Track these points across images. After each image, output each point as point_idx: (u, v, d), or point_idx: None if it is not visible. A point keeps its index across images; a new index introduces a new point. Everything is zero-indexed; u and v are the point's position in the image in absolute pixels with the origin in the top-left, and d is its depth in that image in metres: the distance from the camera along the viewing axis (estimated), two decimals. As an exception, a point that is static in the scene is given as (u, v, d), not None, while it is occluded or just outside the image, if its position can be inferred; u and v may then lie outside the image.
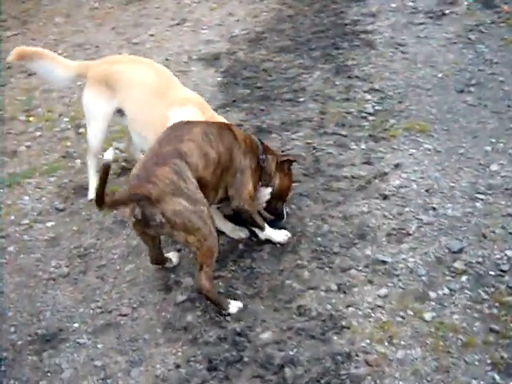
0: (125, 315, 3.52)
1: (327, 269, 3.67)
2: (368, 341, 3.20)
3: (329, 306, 3.42)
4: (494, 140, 4.63)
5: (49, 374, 3.22)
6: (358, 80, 5.65)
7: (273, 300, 3.50)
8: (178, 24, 7.35)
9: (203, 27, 7.17)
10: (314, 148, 4.77)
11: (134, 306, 3.57)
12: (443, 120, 4.92)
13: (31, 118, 5.60)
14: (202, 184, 3.33)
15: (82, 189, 4.57)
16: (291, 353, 3.17)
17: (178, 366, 3.17)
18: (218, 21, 7.31)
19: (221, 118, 4.05)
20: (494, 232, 3.80)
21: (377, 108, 5.21)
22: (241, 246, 3.91)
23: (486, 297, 3.38)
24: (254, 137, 3.89)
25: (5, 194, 4.65)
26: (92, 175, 4.49)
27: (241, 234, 3.99)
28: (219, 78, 6.00)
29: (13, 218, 4.39)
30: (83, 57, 6.58)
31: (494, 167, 4.34)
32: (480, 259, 3.62)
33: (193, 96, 4.10)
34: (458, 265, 3.59)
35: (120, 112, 4.21)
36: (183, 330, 3.37)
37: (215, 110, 5.33)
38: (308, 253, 3.80)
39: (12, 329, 3.52)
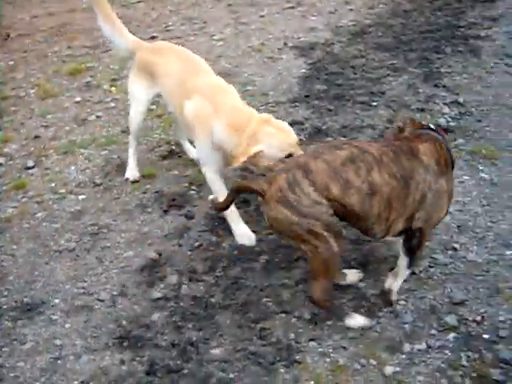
0: (101, 301, 3.58)
1: (311, 294, 3.47)
2: (312, 383, 2.98)
3: (292, 335, 3.23)
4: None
5: (14, 343, 3.37)
6: (443, 90, 5.22)
7: (241, 316, 3.38)
8: (291, 7, 7.23)
9: (314, 13, 7.01)
10: (364, 159, 4.48)
11: (114, 293, 3.61)
12: (517, 148, 4.41)
13: (113, 89, 5.81)
14: (350, 214, 3.10)
15: (125, 167, 4.66)
16: (231, 375, 3.05)
17: (122, 362, 3.18)
18: (331, 8, 7.10)
19: (251, 111, 3.79)
20: (511, 288, 3.36)
21: (451, 124, 4.79)
22: (236, 253, 3.81)
23: (465, 363, 2.98)
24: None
25: (57, 161, 4.90)
26: (131, 154, 4.59)
27: (247, 241, 3.89)
28: (304, 70, 5.82)
29: (53, 185, 4.62)
30: (187, 31, 6.70)
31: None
32: (479, 317, 3.21)
33: (216, 85, 3.94)
34: (450, 319, 3.21)
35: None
36: (145, 328, 3.36)
37: (284, 103, 5.24)
38: (302, 273, 3.61)
39: (5, 292, 3.73)
